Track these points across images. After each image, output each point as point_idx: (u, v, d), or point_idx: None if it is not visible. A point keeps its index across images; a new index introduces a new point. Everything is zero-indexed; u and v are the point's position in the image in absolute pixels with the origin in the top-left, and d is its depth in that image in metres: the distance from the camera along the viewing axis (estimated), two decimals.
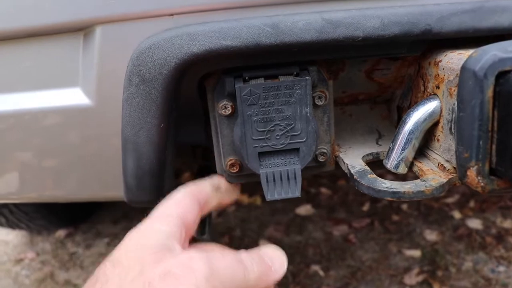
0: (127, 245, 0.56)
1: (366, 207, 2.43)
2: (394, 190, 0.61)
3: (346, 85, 0.78)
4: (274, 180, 0.69)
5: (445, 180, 0.63)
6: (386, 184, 0.62)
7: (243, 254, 0.59)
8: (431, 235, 2.17)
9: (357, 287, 1.91)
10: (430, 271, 1.95)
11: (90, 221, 2.49)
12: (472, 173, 0.58)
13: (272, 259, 0.62)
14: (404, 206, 2.41)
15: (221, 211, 2.49)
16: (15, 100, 0.75)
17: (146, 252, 0.53)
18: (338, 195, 2.57)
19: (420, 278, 1.91)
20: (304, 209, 2.43)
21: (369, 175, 0.66)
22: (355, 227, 2.27)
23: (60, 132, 0.76)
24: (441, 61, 0.65)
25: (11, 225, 2.14)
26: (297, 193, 0.69)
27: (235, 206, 2.49)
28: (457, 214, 2.31)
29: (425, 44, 0.68)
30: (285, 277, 2.01)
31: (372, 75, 0.76)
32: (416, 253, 2.07)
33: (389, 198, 0.61)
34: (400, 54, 0.68)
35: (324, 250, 2.13)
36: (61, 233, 2.41)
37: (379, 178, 0.64)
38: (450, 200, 2.45)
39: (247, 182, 0.75)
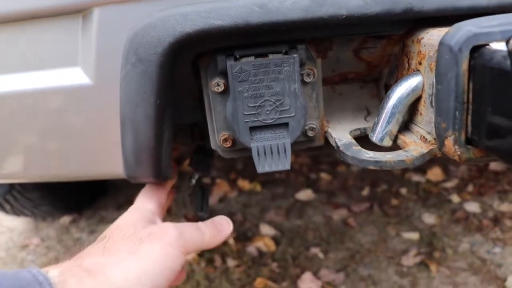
0: (126, 217, 0.81)
1: (365, 192, 2.46)
2: (377, 159, 0.64)
3: (335, 64, 0.81)
4: (265, 153, 0.73)
5: (425, 151, 0.66)
6: (369, 154, 0.66)
7: (200, 223, 0.82)
8: (429, 219, 2.21)
9: (356, 269, 1.95)
10: (428, 252, 1.99)
11: (94, 207, 2.54)
12: (449, 142, 0.61)
13: (220, 223, 0.84)
14: (403, 191, 2.44)
15: (223, 197, 2.53)
16: (16, 80, 0.79)
17: (138, 222, 0.78)
18: (338, 180, 2.61)
19: (417, 259, 1.95)
20: (304, 194, 2.47)
21: (353, 147, 0.69)
22: (355, 211, 2.31)
23: (61, 110, 0.80)
24: (423, 38, 0.68)
25: (16, 212, 2.19)
26: (287, 166, 0.73)
27: (236, 192, 2.53)
28: (455, 198, 2.35)
29: (408, 23, 0.71)
30: (285, 259, 2.06)
31: (359, 53, 0.79)
32: (414, 235, 2.10)
33: (372, 167, 0.65)
34: (384, 33, 0.71)
35: (323, 234, 2.17)
36: (65, 219, 2.45)
37: (363, 149, 0.68)
38: (448, 184, 2.48)
39: (240, 156, 0.78)
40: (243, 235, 2.20)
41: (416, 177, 2.58)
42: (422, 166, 2.72)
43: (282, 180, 2.66)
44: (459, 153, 0.61)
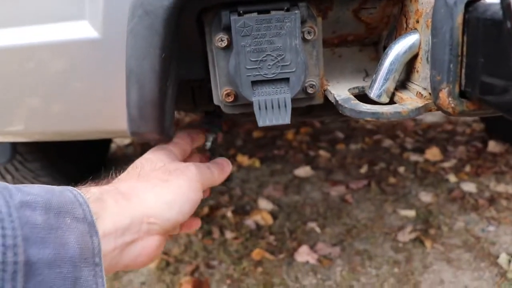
0: (155, 152, 0.89)
1: (363, 170, 2.50)
2: (374, 111, 0.67)
3: (335, 25, 0.83)
4: (266, 107, 0.75)
5: (421, 105, 0.69)
6: (366, 107, 0.68)
7: (209, 164, 0.92)
8: (426, 197, 2.24)
9: (352, 243, 1.99)
10: (423, 229, 2.02)
11: (95, 177, 2.57)
12: (443, 94, 0.64)
13: (222, 164, 0.95)
14: (401, 169, 2.47)
15: None
16: (22, 33, 0.81)
17: (165, 157, 0.87)
18: (336, 158, 2.64)
19: (412, 235, 1.99)
20: (303, 171, 2.50)
21: (352, 101, 0.72)
22: (352, 188, 2.35)
23: (68, 65, 0.82)
24: None
25: (17, 183, 2.21)
26: (287, 120, 0.76)
27: (235, 167, 2.56)
28: (452, 178, 2.38)
29: None
30: (282, 233, 2.09)
31: (359, 14, 0.81)
32: (411, 213, 2.14)
33: (369, 118, 0.67)
34: None
35: (321, 209, 2.21)
36: None
37: (361, 103, 0.71)
38: (446, 164, 2.52)
39: (241, 112, 0.81)
40: (241, 208, 2.24)
41: (414, 157, 2.61)
42: (421, 146, 2.75)
43: (281, 157, 2.69)
44: (452, 105, 0.64)
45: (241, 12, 0.72)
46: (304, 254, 1.93)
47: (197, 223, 0.97)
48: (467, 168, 2.47)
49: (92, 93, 0.86)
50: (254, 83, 0.74)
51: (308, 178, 2.44)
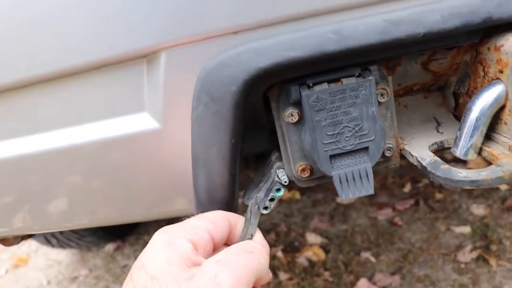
0: (159, 258, 0.61)
1: (407, 188, 2.43)
2: (472, 179, 0.62)
3: (402, 78, 0.79)
4: (347, 180, 0.71)
5: None
6: (462, 174, 0.63)
7: (250, 243, 0.66)
8: (478, 210, 2.16)
9: (411, 270, 1.92)
10: (484, 246, 1.94)
11: (136, 233, 2.55)
12: None
13: (259, 239, 0.69)
14: None
15: None
16: (82, 132, 0.78)
17: (177, 269, 0.58)
18: (377, 179, 2.58)
19: (474, 254, 1.91)
20: None
21: (442, 166, 0.67)
22: (399, 210, 2.28)
23: (131, 157, 0.79)
24: (502, 45, 0.65)
25: (62, 244, 2.21)
26: (371, 191, 0.71)
27: (276, 203, 2.51)
28: (503, 186, 2.29)
29: (483, 30, 0.68)
30: (337, 267, 2.03)
31: (428, 66, 0.77)
32: (466, 229, 2.06)
33: (468, 187, 0.62)
34: (458, 44, 0.69)
35: (371, 236, 2.14)
36: (110, 247, 2.47)
37: (453, 168, 0.66)
38: None
39: (319, 184, 0.77)
40: (290, 246, 2.19)
41: (457, 167, 2.53)
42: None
43: (321, 185, 2.64)
44: None
45: (310, 84, 0.68)
46: None
47: None
48: None
49: (156, 182, 0.82)
50: (332, 157, 0.70)
51: (352, 204, 2.38)
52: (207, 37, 0.66)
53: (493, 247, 1.92)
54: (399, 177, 2.54)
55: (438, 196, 2.32)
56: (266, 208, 0.76)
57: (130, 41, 0.68)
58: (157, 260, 0.60)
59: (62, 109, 0.77)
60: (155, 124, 0.75)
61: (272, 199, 0.76)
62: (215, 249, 0.67)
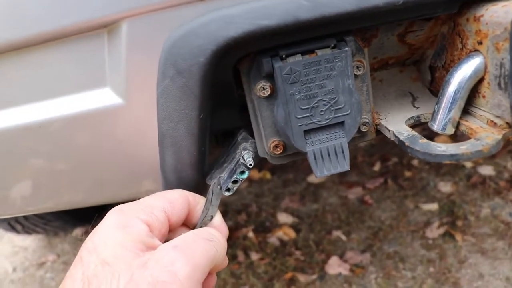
0: (112, 242, 0.56)
1: (377, 167, 2.44)
2: (452, 152, 0.60)
3: (378, 51, 0.76)
4: (322, 156, 0.68)
5: (499, 137, 0.62)
6: (441, 148, 0.61)
7: (209, 230, 0.63)
8: (445, 187, 2.19)
9: (381, 247, 1.93)
10: (450, 222, 1.97)
11: (103, 216, 2.48)
12: None
13: (219, 223, 0.67)
14: (415, 162, 2.42)
15: None
16: (42, 109, 0.72)
17: (131, 253, 0.55)
18: None
19: (441, 230, 1.93)
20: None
21: (420, 140, 0.65)
22: (369, 188, 2.29)
23: (93, 134, 0.74)
24: (482, 15, 0.63)
25: (28, 230, 2.13)
26: (346, 167, 0.68)
27: (247, 183, 2.49)
28: (468, 163, 2.32)
29: (462, 0, 0.66)
30: (308, 246, 2.02)
31: (405, 38, 0.74)
32: (434, 206, 2.09)
33: (447, 161, 0.60)
34: (436, 14, 0.66)
35: (342, 215, 2.14)
36: (78, 231, 2.40)
37: (432, 142, 0.64)
38: None
39: (291, 161, 0.73)
40: (261, 226, 2.17)
41: None
42: (429, 134, 2.70)
43: (291, 165, 2.62)
44: None
45: (283, 56, 0.64)
46: (335, 266, 1.87)
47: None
48: None
49: (120, 160, 0.78)
50: (307, 132, 0.67)
51: (323, 184, 2.38)
52: (172, 5, 0.61)
53: (459, 223, 1.95)
54: (368, 156, 2.55)
55: (407, 174, 2.34)
56: (228, 190, 0.72)
57: (87, 9, 0.63)
58: (110, 243, 0.56)
59: (18, 85, 0.71)
60: (118, 100, 0.70)
61: (235, 181, 0.72)
62: (172, 230, 0.64)
